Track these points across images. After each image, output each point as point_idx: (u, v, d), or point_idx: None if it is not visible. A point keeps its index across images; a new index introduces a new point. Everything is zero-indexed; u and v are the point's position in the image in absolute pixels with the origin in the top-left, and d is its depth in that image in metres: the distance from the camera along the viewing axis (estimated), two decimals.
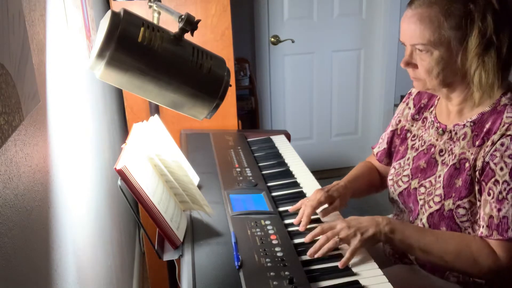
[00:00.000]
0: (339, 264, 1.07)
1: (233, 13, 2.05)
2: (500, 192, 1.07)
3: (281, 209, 1.33)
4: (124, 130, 2.37)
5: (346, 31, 3.39)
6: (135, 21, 0.86)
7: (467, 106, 1.20)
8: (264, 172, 1.59)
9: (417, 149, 1.32)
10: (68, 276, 0.87)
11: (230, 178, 1.51)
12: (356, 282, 1.03)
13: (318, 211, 1.27)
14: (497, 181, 1.08)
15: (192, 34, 0.92)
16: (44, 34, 0.89)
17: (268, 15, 3.26)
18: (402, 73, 3.42)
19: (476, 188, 1.13)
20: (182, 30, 0.90)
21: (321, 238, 1.12)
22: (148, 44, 0.86)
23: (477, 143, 1.15)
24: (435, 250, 1.13)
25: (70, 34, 1.17)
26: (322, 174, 3.48)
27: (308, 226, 1.22)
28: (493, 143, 1.10)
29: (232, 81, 2.28)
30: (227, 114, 2.12)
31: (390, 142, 1.46)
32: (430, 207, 1.22)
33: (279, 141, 1.88)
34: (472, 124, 1.18)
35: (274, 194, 1.43)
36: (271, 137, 1.93)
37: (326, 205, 1.28)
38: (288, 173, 1.58)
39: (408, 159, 1.34)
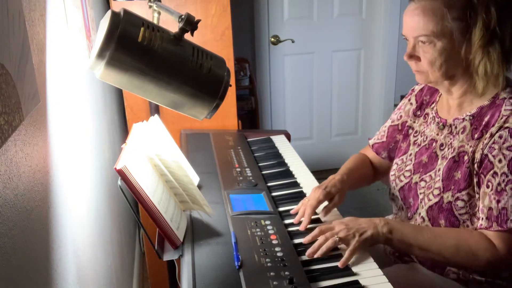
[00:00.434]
0: (339, 263, 1.08)
1: (233, 13, 2.05)
2: (499, 184, 1.09)
3: (281, 209, 1.34)
4: (124, 130, 2.37)
5: (346, 31, 3.39)
6: (135, 21, 0.86)
7: (467, 100, 1.22)
8: (264, 172, 1.59)
9: (419, 145, 1.34)
10: (68, 276, 0.87)
11: (230, 178, 1.51)
12: (356, 282, 1.03)
13: (318, 210, 1.28)
14: (495, 173, 1.09)
15: (192, 34, 0.92)
16: (44, 34, 0.89)
17: (268, 15, 3.26)
18: (402, 73, 3.43)
19: (475, 180, 1.15)
20: (182, 30, 0.90)
21: (320, 238, 1.13)
22: (148, 44, 0.86)
23: (475, 136, 1.16)
24: (434, 247, 1.14)
25: (70, 34, 1.17)
26: (322, 174, 3.46)
27: (308, 226, 1.22)
28: (492, 136, 1.11)
29: (232, 81, 2.28)
30: (227, 114, 2.12)
31: (390, 135, 1.46)
32: (429, 200, 1.23)
33: (279, 141, 1.88)
34: (471, 117, 1.19)
35: (274, 194, 1.43)
36: (271, 137, 1.93)
37: (326, 203, 1.29)
38: (288, 173, 1.58)
39: (410, 155, 1.35)
